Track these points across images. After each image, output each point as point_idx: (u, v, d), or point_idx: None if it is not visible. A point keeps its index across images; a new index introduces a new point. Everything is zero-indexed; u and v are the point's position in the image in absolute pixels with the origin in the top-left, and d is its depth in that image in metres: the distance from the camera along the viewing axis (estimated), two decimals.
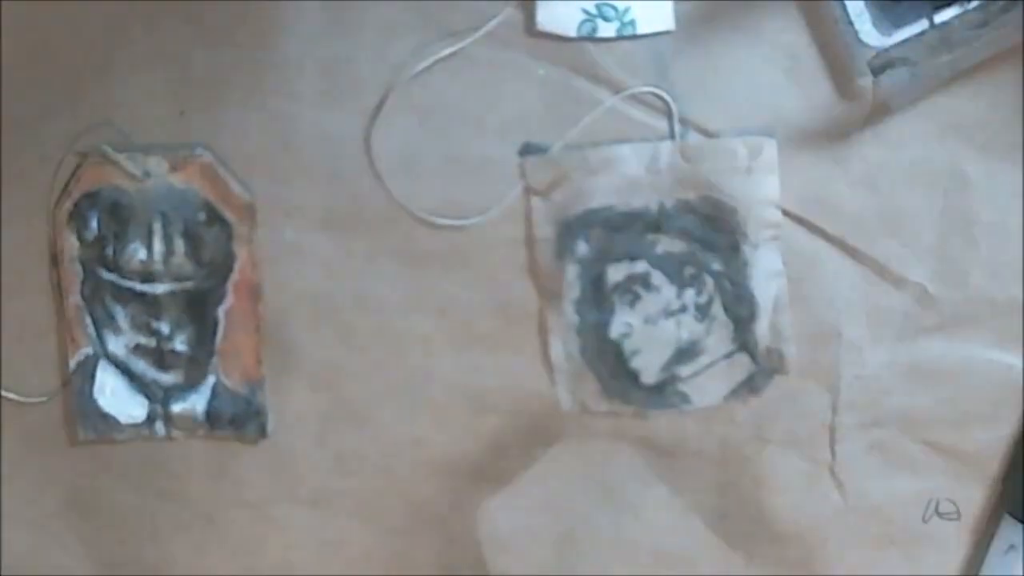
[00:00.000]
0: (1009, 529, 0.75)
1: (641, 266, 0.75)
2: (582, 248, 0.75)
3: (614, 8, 0.73)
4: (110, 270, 0.77)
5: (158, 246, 0.76)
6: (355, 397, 0.78)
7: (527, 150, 0.74)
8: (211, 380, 0.78)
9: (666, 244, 0.74)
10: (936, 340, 0.75)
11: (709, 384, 0.76)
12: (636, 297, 0.75)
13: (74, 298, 0.77)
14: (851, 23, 0.71)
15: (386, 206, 0.75)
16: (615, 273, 0.75)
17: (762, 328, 0.75)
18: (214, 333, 0.77)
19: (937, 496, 0.77)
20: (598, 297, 0.75)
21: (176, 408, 0.78)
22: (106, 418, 0.78)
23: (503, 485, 0.78)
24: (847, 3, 0.70)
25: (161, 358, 0.78)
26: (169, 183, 0.76)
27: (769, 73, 0.73)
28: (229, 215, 0.76)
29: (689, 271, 0.74)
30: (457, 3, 0.73)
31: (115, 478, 0.79)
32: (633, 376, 0.76)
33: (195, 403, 0.78)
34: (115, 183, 0.76)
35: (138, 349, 0.78)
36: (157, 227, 0.76)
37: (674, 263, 0.74)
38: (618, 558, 0.79)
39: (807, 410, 0.76)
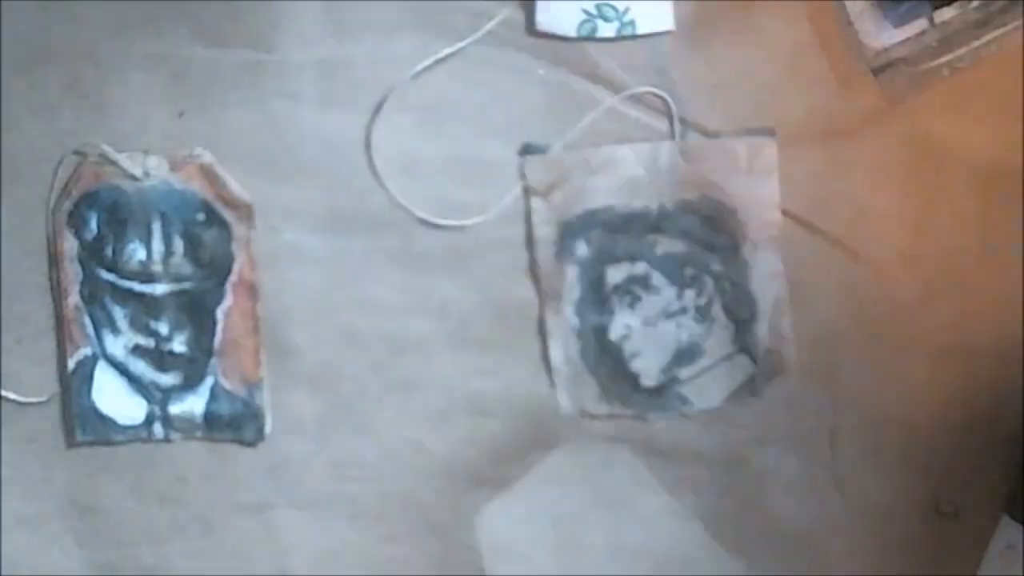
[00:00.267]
0: (1007, 529, 0.75)
1: (641, 267, 0.75)
2: (582, 249, 0.75)
3: (614, 8, 0.73)
4: (109, 270, 0.77)
5: (157, 246, 0.76)
6: (354, 399, 0.78)
7: (527, 150, 0.74)
8: (209, 381, 0.78)
9: (666, 245, 0.74)
10: (936, 340, 0.75)
11: (709, 386, 0.76)
12: (636, 298, 0.75)
13: (73, 298, 0.77)
14: (851, 23, 0.71)
15: (385, 207, 0.75)
16: (615, 274, 0.75)
17: (762, 329, 0.75)
18: (213, 334, 0.77)
19: (937, 496, 0.76)
20: (598, 298, 0.75)
21: (174, 409, 0.78)
22: (104, 419, 0.78)
23: (502, 488, 0.78)
24: (847, 3, 0.71)
25: (160, 359, 0.78)
26: (168, 183, 0.76)
27: (769, 73, 0.73)
28: (228, 215, 0.76)
29: (689, 272, 0.74)
30: (457, 3, 0.73)
31: (113, 479, 0.79)
32: (633, 378, 0.76)
33: (193, 405, 0.78)
34: (114, 183, 0.76)
35: (137, 350, 0.78)
36: (156, 227, 0.76)
37: (674, 264, 0.74)
38: (617, 561, 0.79)
39: (807, 411, 0.76)
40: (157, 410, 0.78)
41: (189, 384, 0.78)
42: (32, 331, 0.78)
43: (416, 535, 0.79)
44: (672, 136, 0.74)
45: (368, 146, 0.75)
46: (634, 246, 0.74)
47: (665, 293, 0.75)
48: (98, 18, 0.75)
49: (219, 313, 0.77)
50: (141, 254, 0.76)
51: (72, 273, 0.77)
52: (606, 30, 0.73)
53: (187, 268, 0.77)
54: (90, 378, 0.78)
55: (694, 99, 0.73)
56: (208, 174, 0.75)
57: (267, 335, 0.77)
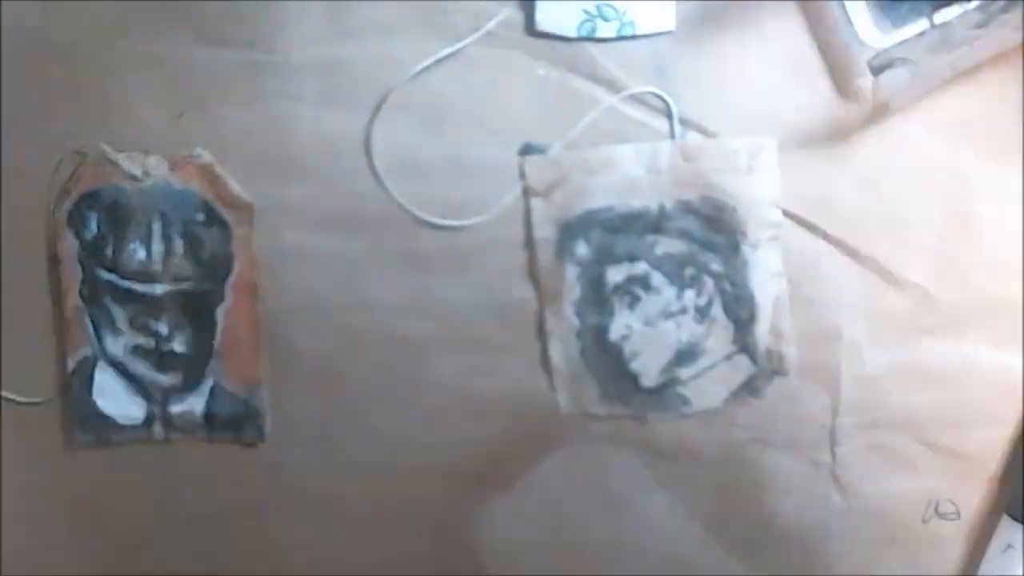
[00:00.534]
0: (1007, 528, 0.75)
1: (641, 267, 0.75)
2: (582, 249, 0.75)
3: (614, 8, 0.73)
4: (109, 270, 0.77)
5: (157, 246, 0.76)
6: (354, 400, 0.78)
7: (527, 150, 0.74)
8: (210, 381, 0.78)
9: (666, 245, 0.74)
10: (936, 341, 0.75)
11: (709, 386, 0.76)
12: (636, 298, 0.75)
13: (73, 298, 0.77)
14: (851, 23, 0.71)
15: (385, 207, 0.75)
16: (615, 274, 0.75)
17: (762, 329, 0.75)
18: (213, 334, 0.77)
19: (937, 497, 0.77)
20: (598, 299, 0.75)
21: (175, 409, 0.78)
22: (104, 420, 0.78)
23: (502, 488, 0.78)
24: (847, 3, 0.71)
25: (160, 359, 0.78)
26: (168, 183, 0.76)
27: (769, 73, 0.73)
28: (228, 215, 0.76)
29: (689, 272, 0.74)
30: (457, 4, 0.73)
31: (113, 480, 0.79)
32: (633, 379, 0.76)
33: (193, 405, 0.78)
34: (114, 183, 0.76)
35: (137, 350, 0.78)
36: (156, 227, 0.76)
37: (674, 264, 0.74)
38: (618, 561, 0.79)
39: (807, 411, 0.76)
40: (157, 410, 0.78)
41: (189, 384, 0.78)
42: (32, 331, 0.78)
43: (416, 535, 0.79)
44: (672, 136, 0.74)
45: (368, 146, 0.75)
46: (634, 246, 0.74)
47: (665, 293, 0.75)
48: (98, 18, 0.75)
49: (219, 313, 0.77)
50: (141, 254, 0.76)
51: (72, 273, 0.77)
52: (606, 30, 0.73)
53: (187, 268, 0.77)
54: (90, 378, 0.78)
55: (694, 99, 0.73)
56: (208, 174, 0.75)
57: (267, 335, 0.77)
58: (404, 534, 0.79)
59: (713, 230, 0.74)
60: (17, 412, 0.78)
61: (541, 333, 0.76)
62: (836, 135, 0.73)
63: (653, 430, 0.77)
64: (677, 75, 0.73)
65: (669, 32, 0.73)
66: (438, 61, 0.74)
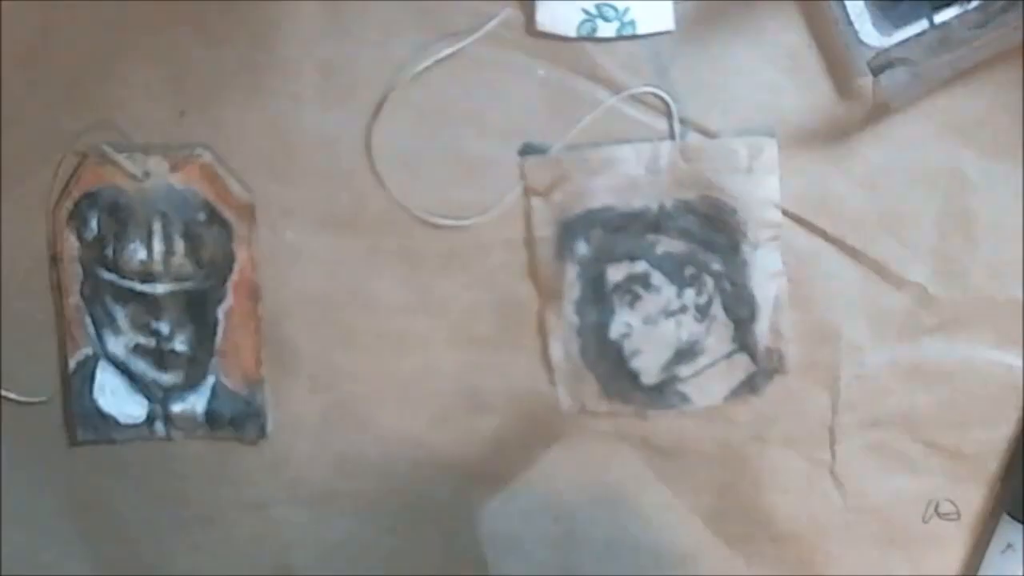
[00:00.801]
0: (1007, 528, 0.75)
1: (641, 266, 0.75)
2: (582, 248, 0.75)
3: (614, 8, 0.72)
4: (110, 270, 0.77)
5: (158, 246, 0.76)
6: (355, 397, 0.78)
7: (527, 150, 0.74)
8: (211, 380, 0.78)
9: (666, 244, 0.74)
10: (936, 340, 0.75)
11: (709, 384, 0.76)
12: (636, 297, 0.75)
13: (74, 298, 0.77)
14: (851, 23, 0.71)
15: (386, 206, 0.75)
16: (615, 273, 0.75)
17: (762, 328, 0.75)
18: (214, 333, 0.77)
19: (937, 496, 0.77)
20: (598, 297, 0.75)
21: (176, 408, 0.78)
22: (106, 418, 0.78)
23: (503, 485, 0.78)
24: (847, 3, 0.70)
25: (161, 358, 0.78)
26: (169, 183, 0.76)
27: (769, 73, 0.73)
28: (229, 215, 0.76)
29: (689, 271, 0.74)
30: (457, 3, 0.73)
31: (114, 478, 0.80)
32: (633, 376, 0.76)
33: (195, 403, 0.78)
34: (115, 183, 0.76)
35: (138, 349, 0.78)
36: (157, 227, 0.76)
37: (674, 263, 0.74)
38: (618, 558, 0.79)
39: (807, 410, 0.76)
40: (158, 409, 0.78)
41: (190, 383, 0.78)
42: (33, 331, 0.78)
43: (417, 531, 0.79)
44: (672, 136, 0.73)
45: (368, 146, 0.75)
46: (634, 245, 0.74)
47: (665, 292, 0.75)
48: (98, 18, 0.75)
49: (220, 312, 0.77)
50: (142, 254, 0.76)
51: (72, 273, 0.77)
52: (606, 30, 0.73)
53: (188, 268, 0.77)
54: (91, 377, 0.78)
55: (694, 99, 0.73)
56: (209, 174, 0.75)
57: (268, 334, 0.78)
58: (405, 531, 0.79)
59: (713, 230, 0.74)
60: (17, 411, 0.79)
61: (541, 331, 0.76)
62: (836, 135, 0.73)
63: (653, 427, 0.77)
64: (677, 75, 0.73)
65: (669, 32, 0.73)
66: (438, 61, 0.74)
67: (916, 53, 0.69)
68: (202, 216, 0.76)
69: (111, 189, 0.76)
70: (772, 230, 0.74)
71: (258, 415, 0.78)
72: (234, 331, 0.77)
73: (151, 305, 0.77)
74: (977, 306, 0.74)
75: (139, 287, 0.77)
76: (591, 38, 0.73)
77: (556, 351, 0.76)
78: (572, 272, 0.75)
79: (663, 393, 0.76)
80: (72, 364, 0.78)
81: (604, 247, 0.75)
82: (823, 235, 0.74)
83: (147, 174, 0.75)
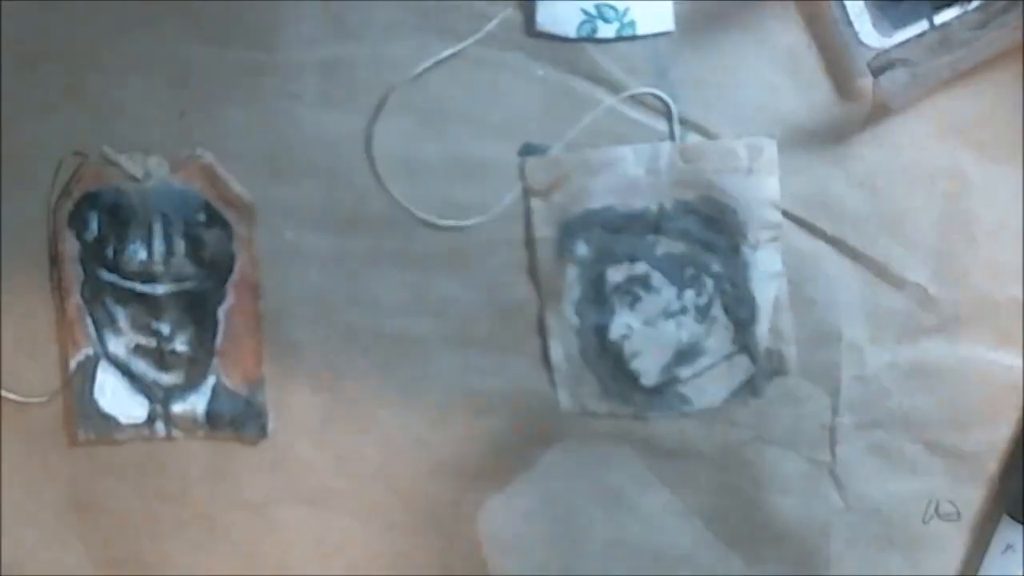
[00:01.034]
0: (1007, 529, 0.75)
1: (641, 267, 0.75)
2: (582, 249, 0.75)
3: (614, 9, 0.72)
4: (110, 271, 0.77)
5: (158, 247, 0.76)
6: (355, 397, 0.78)
7: (527, 151, 0.74)
8: (211, 380, 0.78)
9: (666, 245, 0.74)
10: (936, 341, 0.75)
11: (709, 385, 0.76)
12: (636, 298, 0.75)
13: (74, 299, 0.77)
14: (851, 24, 0.71)
15: (386, 207, 0.75)
16: (615, 274, 0.75)
17: (762, 329, 0.75)
18: (214, 333, 0.78)
19: (937, 497, 0.76)
20: (598, 298, 0.75)
21: (176, 408, 0.78)
22: (106, 418, 0.78)
23: (503, 486, 0.78)
24: (847, 4, 0.70)
25: (161, 358, 0.78)
26: (169, 184, 0.76)
27: (769, 74, 0.73)
28: (229, 216, 0.76)
29: (689, 272, 0.74)
30: (457, 4, 0.73)
31: (115, 478, 0.80)
32: (633, 377, 0.76)
33: (195, 403, 0.78)
34: (115, 184, 0.76)
35: (138, 349, 0.78)
36: (157, 228, 0.76)
37: (674, 264, 0.74)
38: (618, 559, 0.79)
39: (807, 411, 0.76)
40: (159, 409, 0.78)
41: (191, 383, 0.78)
42: (33, 331, 0.78)
43: (418, 531, 0.79)
44: (672, 137, 0.73)
45: (369, 146, 0.75)
46: (634, 246, 0.74)
47: (665, 293, 0.75)
48: (98, 18, 0.75)
49: (220, 313, 0.77)
50: (142, 254, 0.76)
51: (73, 274, 0.77)
52: (606, 31, 0.73)
53: (188, 268, 0.77)
54: (92, 378, 0.78)
55: (694, 100, 0.73)
56: (209, 174, 0.76)
57: (268, 334, 0.78)
58: (405, 531, 0.79)
59: (713, 231, 0.74)
60: (18, 411, 0.79)
61: (541, 332, 0.76)
62: (836, 136, 0.73)
63: (653, 429, 0.77)
64: (677, 76, 0.73)
65: (669, 33, 0.73)
66: (438, 62, 0.74)
67: (916, 54, 0.69)
68: (202, 216, 0.76)
69: (111, 190, 0.76)
70: (772, 231, 0.74)
71: (258, 415, 0.78)
72: (234, 331, 0.77)
73: (152, 305, 0.77)
74: (977, 306, 0.74)
75: (140, 287, 0.77)
76: (591, 39, 0.73)
77: (556, 352, 0.76)
78: (572, 273, 0.75)
79: (663, 394, 0.76)
80: (73, 364, 0.78)
81: (604, 248, 0.75)
82: (823, 236, 0.74)
83: (147, 175, 0.76)
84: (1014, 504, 0.75)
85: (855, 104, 0.73)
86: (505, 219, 0.75)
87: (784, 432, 0.76)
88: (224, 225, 0.76)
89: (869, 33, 0.70)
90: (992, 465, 0.76)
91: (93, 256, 0.77)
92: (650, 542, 0.78)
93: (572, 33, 0.73)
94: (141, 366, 0.78)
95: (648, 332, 0.75)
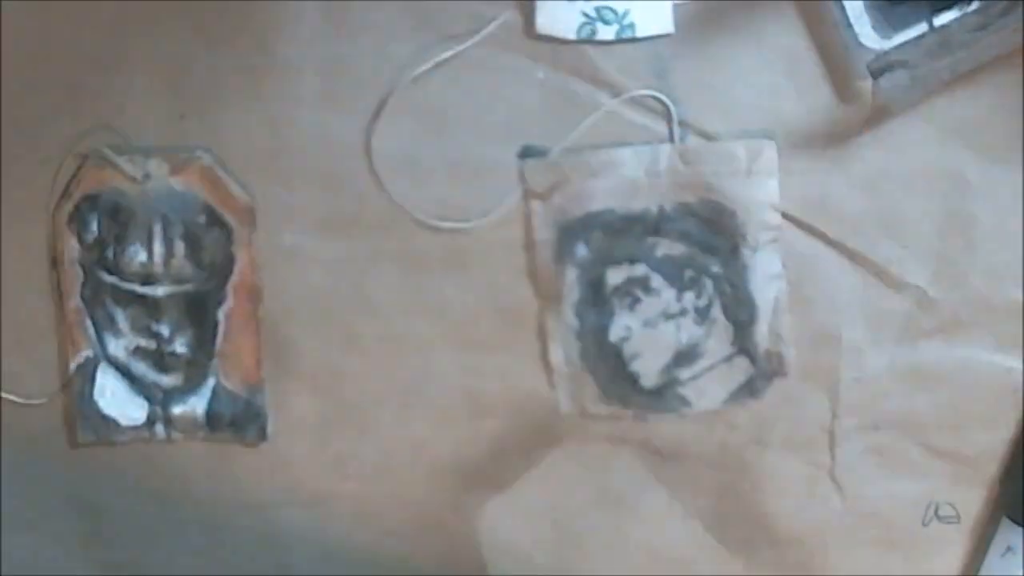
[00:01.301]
0: (1007, 531, 0.75)
1: (640, 269, 0.75)
2: (582, 251, 0.75)
3: (613, 11, 0.73)
4: (110, 272, 0.77)
5: (158, 248, 0.76)
6: (355, 400, 0.78)
7: (527, 153, 0.74)
8: (211, 382, 0.78)
9: (665, 247, 0.74)
10: (936, 343, 0.75)
11: (709, 387, 0.76)
12: (636, 300, 0.75)
13: (74, 300, 0.77)
14: (851, 26, 0.71)
15: (386, 209, 0.75)
16: (614, 276, 0.75)
17: (762, 331, 0.75)
18: (214, 335, 0.78)
19: (937, 499, 0.77)
20: (598, 300, 0.75)
21: (176, 410, 0.78)
22: (106, 420, 0.78)
23: (503, 487, 0.78)
24: (847, 6, 0.70)
25: (161, 360, 0.78)
26: (169, 186, 0.76)
27: (768, 76, 0.73)
28: (229, 217, 0.76)
29: (689, 274, 0.74)
30: (457, 6, 0.73)
31: (115, 480, 0.80)
32: (633, 379, 0.76)
33: (195, 405, 0.78)
34: (115, 186, 0.76)
35: (138, 351, 0.78)
36: (157, 229, 0.76)
37: (673, 266, 0.74)
38: (617, 560, 0.79)
39: (807, 413, 0.76)
40: (159, 411, 0.78)
41: (191, 385, 0.78)
42: (33, 333, 0.78)
43: (417, 533, 0.79)
44: (671, 139, 0.73)
45: (368, 148, 0.75)
46: (633, 248, 0.74)
47: (665, 295, 0.75)
48: (98, 19, 0.75)
49: (220, 314, 0.77)
50: (142, 256, 0.76)
51: (73, 275, 0.77)
52: (605, 33, 0.73)
53: (188, 270, 0.77)
54: (92, 379, 0.78)
55: (693, 102, 0.73)
56: (209, 176, 0.76)
57: (268, 336, 0.78)
58: (405, 533, 0.79)
59: (713, 233, 0.74)
60: (18, 413, 0.79)
61: (541, 334, 0.76)
62: (835, 138, 0.73)
63: (653, 430, 0.77)
64: (677, 78, 0.73)
65: (668, 35, 0.73)
66: (438, 64, 0.74)
67: (916, 56, 0.69)
68: (202, 218, 0.76)
69: (111, 191, 0.76)
70: (771, 233, 0.74)
71: (258, 417, 0.78)
72: (234, 333, 0.77)
73: (151, 307, 0.77)
74: (977, 309, 0.74)
75: (139, 289, 0.77)
76: (591, 41, 0.73)
77: (556, 354, 0.76)
78: (572, 275, 0.75)
79: (663, 396, 0.76)
80: (73, 366, 0.78)
81: (604, 250, 0.75)
82: (823, 238, 0.74)
83: (147, 176, 0.76)
84: (1014, 506, 0.75)
85: (855, 106, 0.73)
86: (505, 221, 0.75)
87: (783, 434, 0.76)
88: (224, 227, 0.76)
89: (869, 35, 0.70)
90: (992, 467, 0.76)
91: (93, 258, 0.77)
92: (650, 543, 0.78)
93: (572, 35, 0.73)
94: (141, 368, 0.78)
95: (648, 334, 0.75)
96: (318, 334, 0.77)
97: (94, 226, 0.76)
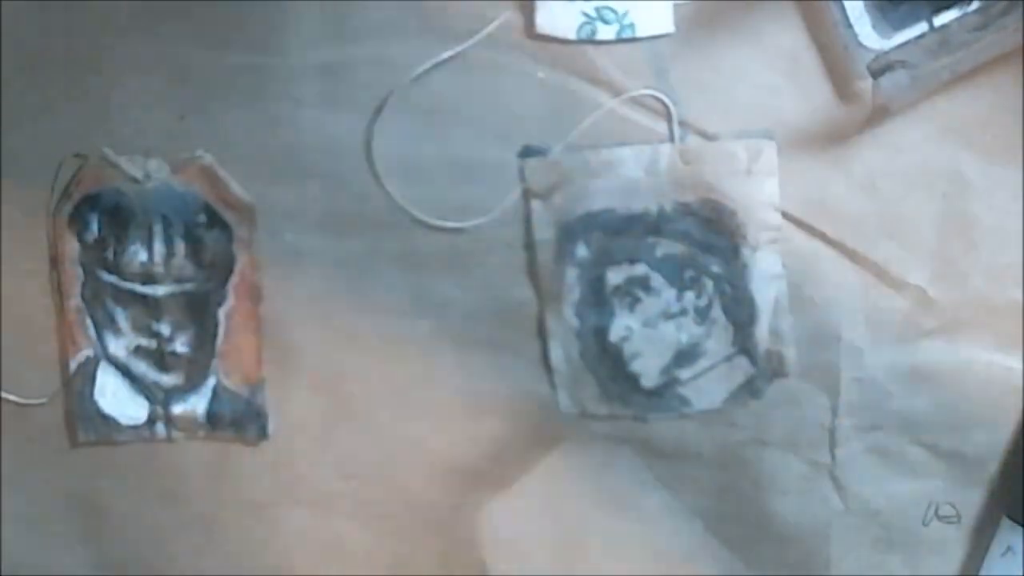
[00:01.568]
0: (1007, 531, 0.75)
1: (641, 269, 0.75)
2: (582, 251, 0.75)
3: (613, 11, 0.73)
4: (110, 272, 0.77)
5: (159, 248, 0.76)
6: (355, 399, 0.78)
7: (527, 153, 0.74)
8: (212, 381, 0.78)
9: (666, 247, 0.74)
10: (936, 343, 0.75)
11: (709, 387, 0.76)
12: (636, 300, 0.75)
13: (74, 300, 0.77)
14: (851, 26, 0.71)
15: (386, 208, 0.75)
16: (615, 276, 0.75)
17: (762, 331, 0.75)
18: (215, 335, 0.78)
19: (937, 499, 0.76)
20: (598, 300, 0.75)
21: (177, 409, 0.78)
22: (107, 419, 0.78)
23: (503, 487, 0.78)
24: (846, 5, 0.70)
25: (162, 360, 0.78)
26: (169, 185, 0.76)
27: (768, 76, 0.73)
28: (229, 217, 0.76)
29: (689, 274, 0.74)
30: (457, 6, 0.73)
31: (115, 479, 0.80)
32: (633, 379, 0.76)
33: (196, 404, 0.78)
34: (115, 185, 0.76)
35: (139, 351, 0.78)
36: (157, 229, 0.76)
37: (674, 266, 0.74)
38: (618, 560, 0.79)
39: (807, 413, 0.76)
40: (159, 410, 0.78)
41: (191, 384, 0.78)
42: (33, 333, 0.78)
43: (418, 532, 0.79)
44: (671, 139, 0.73)
45: (368, 148, 0.75)
46: (634, 248, 0.74)
47: (665, 295, 0.75)
48: (98, 19, 0.75)
49: (221, 314, 0.77)
50: (142, 256, 0.76)
51: (73, 275, 0.77)
52: (606, 32, 0.73)
53: (189, 269, 0.77)
54: (92, 379, 0.78)
55: (693, 102, 0.73)
56: (209, 176, 0.76)
57: (269, 335, 0.78)
58: (405, 533, 0.79)
59: (713, 232, 0.74)
60: (18, 413, 0.79)
61: (541, 334, 0.76)
62: (835, 137, 0.73)
63: (653, 430, 0.77)
64: (677, 77, 0.73)
65: (668, 34, 0.73)
66: (438, 64, 0.74)
67: (916, 55, 0.69)
68: (203, 218, 0.76)
69: (112, 191, 0.76)
70: (772, 233, 0.74)
71: (259, 416, 0.78)
72: (235, 332, 0.77)
73: (152, 307, 0.77)
74: (977, 309, 0.74)
75: (140, 289, 0.77)
76: (591, 41, 0.73)
77: (556, 354, 0.76)
78: (572, 275, 0.75)
79: (663, 396, 0.76)
80: (73, 366, 0.78)
81: (604, 250, 0.75)
82: (823, 238, 0.74)
83: (147, 176, 0.76)
84: (1014, 506, 0.74)
85: (855, 106, 0.73)
86: (505, 221, 0.75)
87: (784, 434, 0.76)
88: (224, 227, 0.76)
89: (869, 35, 0.70)
90: (992, 467, 0.76)
91: (93, 257, 0.77)
92: (650, 544, 0.78)
93: (572, 35, 0.73)
94: (141, 367, 0.78)
95: (648, 334, 0.75)
96: (318, 334, 0.77)
97: (94, 226, 0.76)
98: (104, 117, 0.76)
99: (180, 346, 0.78)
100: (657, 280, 0.75)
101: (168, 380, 0.78)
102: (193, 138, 0.76)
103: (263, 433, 0.78)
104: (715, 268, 0.74)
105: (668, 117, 0.73)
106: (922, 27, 0.69)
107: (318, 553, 0.80)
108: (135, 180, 0.75)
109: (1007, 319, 0.74)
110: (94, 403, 0.78)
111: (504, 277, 0.76)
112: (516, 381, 0.77)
